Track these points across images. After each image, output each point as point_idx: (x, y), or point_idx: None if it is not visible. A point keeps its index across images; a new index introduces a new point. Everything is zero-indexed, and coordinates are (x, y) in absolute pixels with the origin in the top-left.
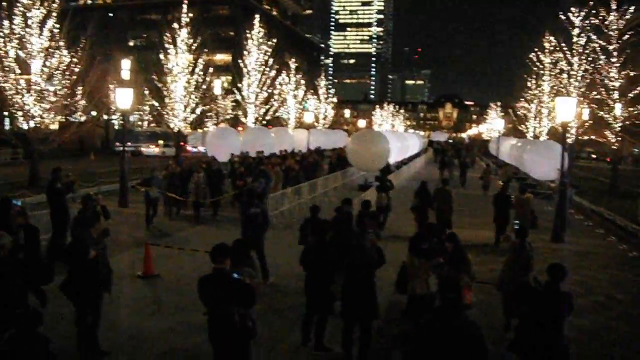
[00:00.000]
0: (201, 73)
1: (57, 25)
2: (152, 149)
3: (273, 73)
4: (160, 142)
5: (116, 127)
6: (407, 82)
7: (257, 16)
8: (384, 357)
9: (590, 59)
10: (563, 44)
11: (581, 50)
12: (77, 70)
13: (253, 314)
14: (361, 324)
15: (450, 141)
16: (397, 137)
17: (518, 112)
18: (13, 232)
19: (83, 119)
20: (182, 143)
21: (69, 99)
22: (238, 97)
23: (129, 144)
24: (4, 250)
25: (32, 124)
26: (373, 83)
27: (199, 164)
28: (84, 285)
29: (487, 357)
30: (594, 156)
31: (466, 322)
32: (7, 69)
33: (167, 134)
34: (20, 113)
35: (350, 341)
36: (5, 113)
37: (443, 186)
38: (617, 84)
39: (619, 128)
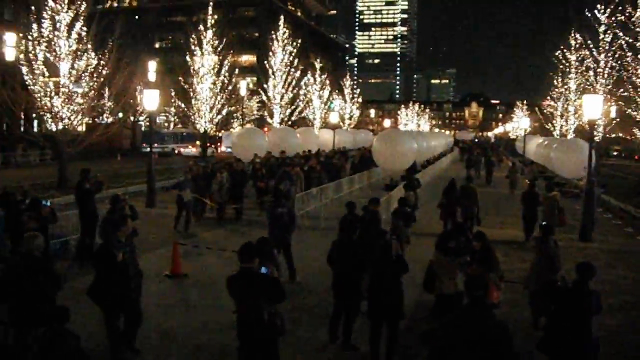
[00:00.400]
0: (227, 74)
1: (85, 28)
2: (190, 150)
3: (298, 74)
4: (198, 142)
5: (143, 128)
6: (433, 81)
7: (281, 17)
8: (412, 356)
9: (617, 56)
10: (589, 41)
11: (608, 47)
12: (104, 72)
13: (281, 312)
14: (388, 323)
15: (476, 140)
16: (422, 136)
17: (544, 110)
18: (45, 230)
19: (110, 120)
20: (217, 143)
21: (96, 101)
22: (264, 97)
23: (155, 144)
24: (39, 250)
25: (60, 125)
26: (398, 82)
27: (222, 165)
28: (114, 288)
29: (514, 356)
30: (622, 154)
31: (493, 321)
32: (36, 71)
33: (206, 134)
34: (48, 115)
35: (378, 341)
36: (34, 115)
37: (467, 184)
38: None
39: None
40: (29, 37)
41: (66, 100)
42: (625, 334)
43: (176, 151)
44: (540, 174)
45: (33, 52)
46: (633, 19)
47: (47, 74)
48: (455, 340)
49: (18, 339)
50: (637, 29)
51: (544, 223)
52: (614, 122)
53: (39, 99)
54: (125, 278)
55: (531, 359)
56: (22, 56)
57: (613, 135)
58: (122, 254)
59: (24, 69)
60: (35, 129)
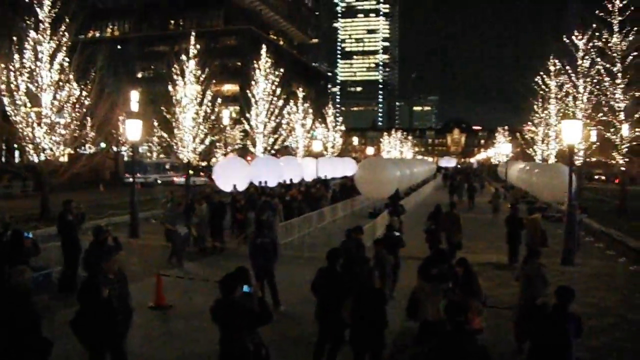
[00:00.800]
0: (209, 104)
1: (67, 59)
2: (183, 179)
3: (281, 102)
4: (191, 172)
5: (126, 158)
6: (415, 108)
7: (264, 46)
8: None
9: (595, 80)
10: (567, 67)
11: (586, 72)
12: (86, 102)
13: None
14: (371, 353)
15: (459, 166)
16: (405, 163)
17: (525, 136)
18: (27, 263)
19: (93, 150)
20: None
21: (78, 131)
22: (246, 126)
23: (138, 175)
24: (27, 285)
25: (42, 156)
26: (380, 110)
27: (202, 196)
28: (97, 326)
29: None
30: (603, 178)
31: (474, 346)
32: (18, 102)
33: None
34: (30, 146)
35: None
36: (16, 146)
37: (451, 210)
38: (622, 105)
39: (626, 149)
40: (11, 68)
41: (48, 130)
42: (608, 356)
43: (174, 179)
44: (522, 199)
45: (15, 82)
46: (610, 44)
47: (29, 104)
48: None
49: None
50: (614, 54)
51: (531, 247)
52: (594, 146)
53: (20, 130)
54: (110, 315)
55: None
56: (3, 86)
57: (594, 159)
58: (107, 291)
59: (6, 100)
60: (17, 160)
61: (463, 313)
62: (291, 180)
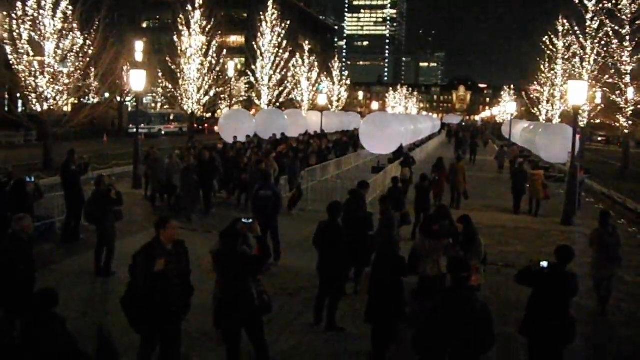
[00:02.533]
0: (215, 55)
1: (70, 7)
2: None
3: (287, 55)
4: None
5: (129, 109)
6: (421, 64)
7: None
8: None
9: (603, 42)
10: (576, 28)
11: (594, 34)
12: (90, 52)
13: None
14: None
15: (464, 124)
16: (410, 119)
17: (531, 95)
18: (30, 210)
19: (96, 101)
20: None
21: (82, 81)
22: (252, 79)
23: (142, 125)
24: (28, 232)
25: (45, 106)
26: (387, 65)
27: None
28: (148, 304)
29: (493, 335)
30: (605, 139)
31: (476, 302)
32: (20, 51)
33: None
34: (33, 95)
35: (383, 342)
36: (19, 95)
37: (457, 162)
38: (629, 68)
39: (631, 112)
40: (13, 16)
41: (51, 80)
42: (603, 315)
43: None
44: (524, 157)
45: (17, 30)
46: (619, 7)
47: (31, 53)
48: (439, 321)
49: (5, 323)
50: (623, 17)
51: (601, 210)
52: (599, 108)
53: (23, 79)
54: (164, 293)
55: (510, 341)
56: (5, 35)
57: (598, 121)
58: (163, 261)
59: (8, 48)
60: (20, 110)
61: (465, 269)
62: (283, 134)
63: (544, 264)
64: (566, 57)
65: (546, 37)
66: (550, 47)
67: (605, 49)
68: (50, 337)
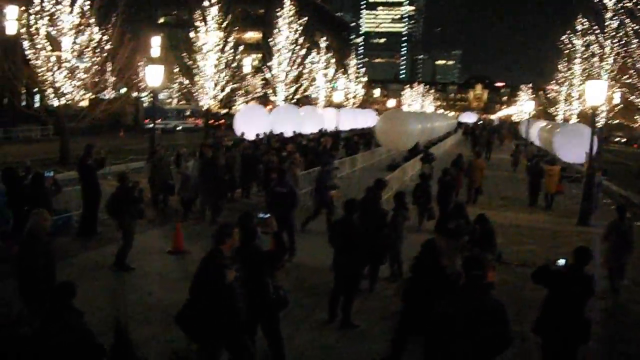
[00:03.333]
0: (231, 51)
1: (88, 2)
2: None
3: (303, 52)
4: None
5: (146, 104)
6: (438, 62)
7: None
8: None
9: (622, 42)
10: (595, 27)
11: (613, 34)
12: (107, 47)
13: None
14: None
15: (480, 122)
16: (426, 117)
17: (548, 95)
18: (48, 204)
19: (113, 96)
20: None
21: (99, 76)
22: (268, 75)
23: (158, 121)
24: (46, 226)
25: (62, 100)
26: (403, 63)
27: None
28: (215, 317)
29: (509, 334)
30: (623, 140)
31: (491, 300)
32: (38, 46)
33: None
34: (50, 90)
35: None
36: (36, 90)
37: (474, 159)
38: None
39: None
40: (31, 11)
41: (68, 75)
42: (614, 317)
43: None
44: (540, 156)
45: (35, 25)
46: (639, 6)
47: (49, 48)
48: (453, 318)
49: (25, 315)
50: None
51: (618, 205)
52: (617, 108)
53: (40, 74)
54: (232, 308)
55: (524, 340)
56: (23, 30)
57: (616, 122)
58: (232, 273)
59: (26, 43)
60: (37, 104)
61: (481, 268)
62: (295, 132)
63: (561, 261)
64: (585, 56)
65: (565, 35)
66: (569, 46)
67: (624, 48)
68: (67, 328)
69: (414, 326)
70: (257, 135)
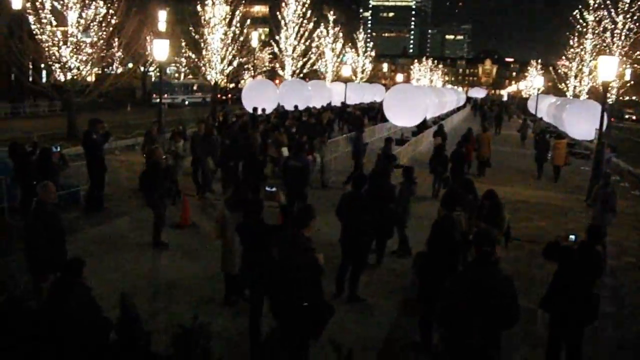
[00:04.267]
0: (238, 25)
1: None
2: None
3: (311, 25)
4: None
5: (153, 79)
6: (447, 36)
7: None
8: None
9: (635, 17)
10: (608, 1)
11: (626, 8)
12: (113, 21)
13: None
14: None
15: (487, 98)
16: (435, 92)
17: (559, 70)
18: (55, 178)
19: (120, 70)
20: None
21: (105, 51)
22: (275, 49)
23: (165, 95)
24: (52, 199)
25: (69, 76)
26: (412, 37)
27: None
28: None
29: (518, 310)
30: (633, 117)
31: (501, 275)
32: (43, 20)
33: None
34: (57, 65)
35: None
36: (42, 65)
37: (483, 132)
38: None
39: None
40: None
41: (75, 50)
42: (624, 293)
43: None
44: (549, 132)
45: (40, 0)
46: None
47: (54, 22)
48: (464, 293)
49: (32, 287)
50: None
51: (605, 172)
52: (628, 84)
53: (47, 49)
54: (321, 290)
55: (532, 316)
56: (29, 4)
57: (627, 98)
58: (321, 256)
59: (31, 18)
60: (44, 80)
61: (491, 244)
62: (296, 107)
63: (572, 237)
64: (596, 31)
65: (576, 10)
66: (580, 21)
67: (637, 23)
68: (74, 302)
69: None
70: (255, 109)
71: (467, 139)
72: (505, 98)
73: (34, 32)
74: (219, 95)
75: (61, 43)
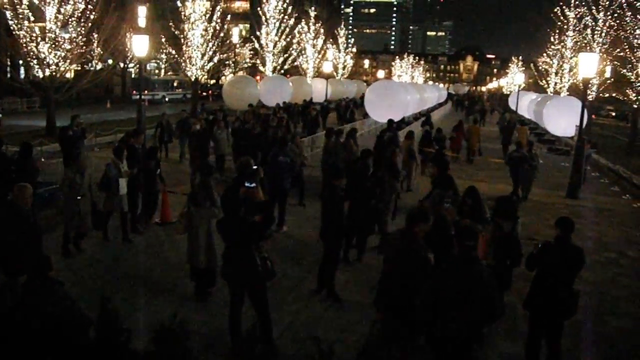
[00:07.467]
0: (219, 20)
1: None
2: None
3: (292, 21)
4: None
5: (133, 75)
6: (429, 33)
7: None
8: None
9: (616, 15)
10: None
11: (607, 6)
12: (92, 17)
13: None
14: None
15: (467, 94)
16: (416, 88)
17: (539, 67)
18: (33, 176)
19: (99, 67)
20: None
21: (84, 47)
22: (256, 45)
23: (145, 92)
24: (28, 202)
25: (47, 72)
26: (394, 33)
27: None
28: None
29: (501, 305)
30: (613, 114)
31: (482, 272)
32: (21, 16)
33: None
34: (35, 61)
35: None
36: (20, 61)
37: (473, 124)
38: None
39: None
40: None
41: (53, 46)
42: (604, 289)
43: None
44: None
45: None
46: None
47: (32, 18)
48: (445, 288)
49: (7, 288)
50: None
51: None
52: (608, 82)
53: (24, 45)
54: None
55: (512, 310)
56: (6, 0)
57: (606, 95)
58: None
59: (9, 13)
60: (22, 76)
61: (474, 238)
62: (277, 104)
63: (540, 245)
64: (577, 28)
65: (557, 7)
66: (561, 17)
67: (618, 21)
68: (48, 299)
69: None
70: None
71: (458, 128)
72: (486, 94)
73: (11, 27)
74: (199, 92)
75: (39, 39)
